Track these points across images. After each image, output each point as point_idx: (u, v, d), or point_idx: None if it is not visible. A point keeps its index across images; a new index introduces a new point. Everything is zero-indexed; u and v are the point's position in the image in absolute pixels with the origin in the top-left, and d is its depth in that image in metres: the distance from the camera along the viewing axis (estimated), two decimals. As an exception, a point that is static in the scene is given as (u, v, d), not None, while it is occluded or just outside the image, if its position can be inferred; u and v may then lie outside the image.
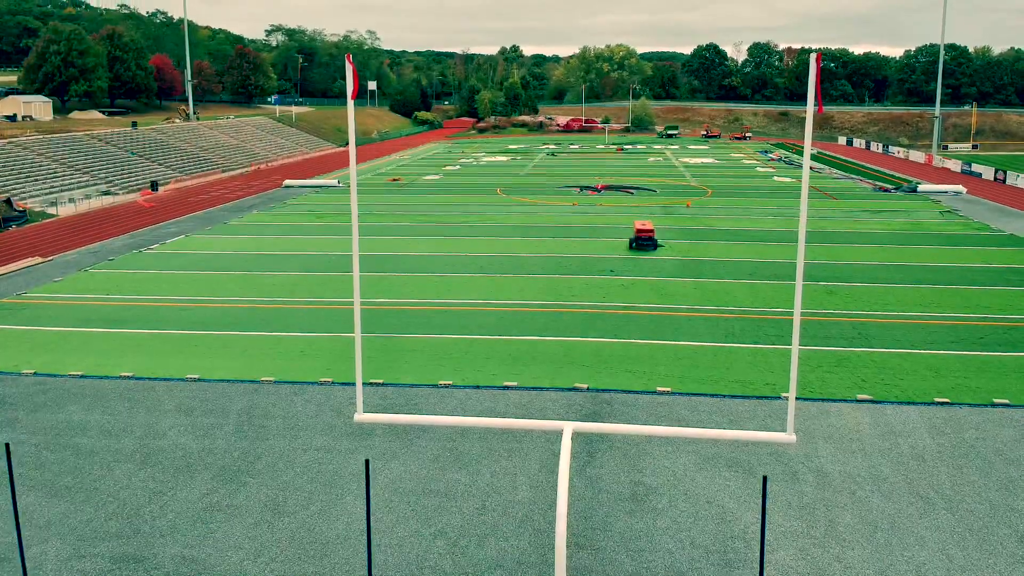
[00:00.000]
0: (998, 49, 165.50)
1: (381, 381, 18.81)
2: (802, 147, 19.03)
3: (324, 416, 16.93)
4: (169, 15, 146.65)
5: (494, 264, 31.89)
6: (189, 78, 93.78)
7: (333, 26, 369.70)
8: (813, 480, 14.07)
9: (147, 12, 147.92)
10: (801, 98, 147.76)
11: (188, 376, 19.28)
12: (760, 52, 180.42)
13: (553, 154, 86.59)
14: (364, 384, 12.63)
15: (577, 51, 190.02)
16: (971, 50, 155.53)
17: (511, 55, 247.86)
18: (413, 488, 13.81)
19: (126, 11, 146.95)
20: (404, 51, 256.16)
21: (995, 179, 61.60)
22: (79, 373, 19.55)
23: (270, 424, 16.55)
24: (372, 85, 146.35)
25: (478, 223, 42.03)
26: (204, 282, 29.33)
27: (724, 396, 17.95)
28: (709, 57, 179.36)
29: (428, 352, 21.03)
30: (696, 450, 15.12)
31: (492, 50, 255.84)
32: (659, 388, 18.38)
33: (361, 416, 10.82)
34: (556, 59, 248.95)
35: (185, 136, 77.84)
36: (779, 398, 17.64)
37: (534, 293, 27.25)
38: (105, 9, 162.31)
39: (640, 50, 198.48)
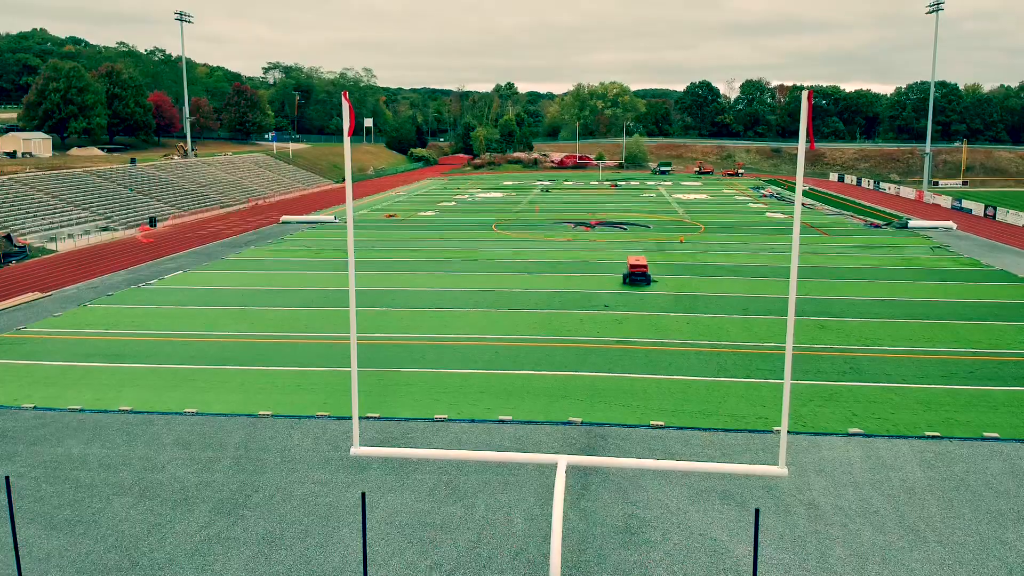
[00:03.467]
0: (988, 86, 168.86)
1: (377, 415, 18.99)
2: (794, 183, 19.64)
3: (321, 450, 17.08)
4: (168, 53, 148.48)
5: (489, 299, 32.23)
6: (187, 115, 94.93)
7: (330, 64, 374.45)
8: (805, 513, 14.25)
9: (145, 50, 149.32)
10: (793, 135, 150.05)
11: (186, 410, 19.45)
12: (752, 89, 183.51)
13: (547, 190, 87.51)
14: (360, 418, 12.86)
15: (572, 88, 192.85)
16: (961, 87, 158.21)
17: (505, 92, 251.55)
18: (408, 521, 13.94)
19: (124, 49, 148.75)
20: (400, 88, 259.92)
21: (985, 215, 62.48)
22: (78, 407, 19.70)
23: (267, 457, 16.69)
24: (368, 122, 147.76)
25: (473, 259, 42.45)
26: (202, 317, 29.55)
27: (717, 430, 18.17)
28: (702, 94, 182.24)
29: (424, 386, 21.23)
30: (689, 483, 15.30)
31: (487, 87, 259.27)
32: (652, 422, 18.59)
33: (357, 450, 11.06)
34: (551, 96, 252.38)
35: (183, 172, 78.56)
36: (771, 432, 17.85)
37: (528, 328, 27.54)
38: (104, 47, 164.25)
39: (634, 87, 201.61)
